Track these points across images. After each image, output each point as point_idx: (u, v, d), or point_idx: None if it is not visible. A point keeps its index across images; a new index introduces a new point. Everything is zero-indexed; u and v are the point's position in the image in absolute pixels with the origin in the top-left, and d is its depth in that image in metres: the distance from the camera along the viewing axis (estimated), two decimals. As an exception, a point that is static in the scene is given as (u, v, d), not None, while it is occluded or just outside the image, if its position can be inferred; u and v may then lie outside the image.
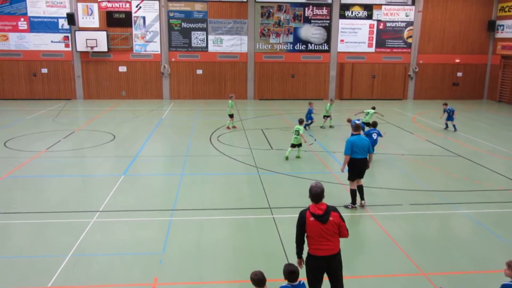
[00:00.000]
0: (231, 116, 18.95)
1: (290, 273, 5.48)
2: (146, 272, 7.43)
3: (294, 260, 5.79)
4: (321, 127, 19.62)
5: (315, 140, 17.25)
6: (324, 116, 19.63)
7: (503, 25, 28.45)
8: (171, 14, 27.40)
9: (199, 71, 28.24)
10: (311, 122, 19.16)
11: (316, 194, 5.79)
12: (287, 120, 21.17)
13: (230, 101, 18.81)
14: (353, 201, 10.29)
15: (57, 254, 7.96)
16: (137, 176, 12.77)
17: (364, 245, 8.58)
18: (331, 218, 5.72)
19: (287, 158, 14.28)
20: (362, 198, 10.34)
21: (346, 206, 10.28)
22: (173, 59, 27.92)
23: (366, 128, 15.13)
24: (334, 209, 5.85)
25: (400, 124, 20.72)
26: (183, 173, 12.91)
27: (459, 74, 29.78)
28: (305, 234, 5.86)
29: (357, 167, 9.99)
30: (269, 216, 9.81)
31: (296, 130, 14.06)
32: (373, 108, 18.29)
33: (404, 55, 29.22)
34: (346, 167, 10.11)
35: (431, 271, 7.54)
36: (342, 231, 5.84)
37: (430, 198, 11.07)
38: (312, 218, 5.73)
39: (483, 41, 29.51)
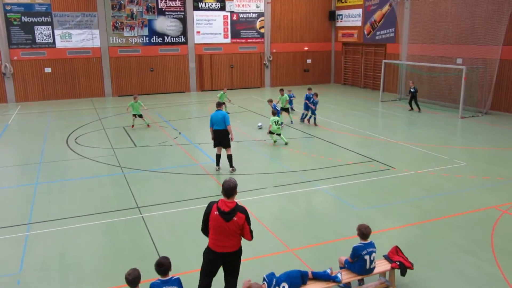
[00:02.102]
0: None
1: (158, 265, 5.39)
2: (1, 297, 6.67)
3: (172, 260, 5.66)
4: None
5: (179, 133, 17.15)
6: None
7: (341, 15, 31.40)
8: (8, 7, 24.57)
9: (48, 70, 25.91)
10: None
11: (227, 188, 5.59)
12: (149, 116, 20.65)
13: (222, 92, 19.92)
14: (217, 163, 12.48)
15: None
16: (-18, 191, 11.31)
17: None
18: (235, 218, 5.56)
19: (286, 143, 15.29)
20: (230, 165, 12.43)
21: (216, 168, 12.42)
22: (15, 58, 25.15)
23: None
24: (242, 210, 5.65)
25: (260, 111, 21.66)
26: (37, 182, 11.80)
27: (309, 61, 32.17)
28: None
29: (217, 136, 12.10)
30: (137, 216, 9.52)
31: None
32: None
33: (258, 45, 30.51)
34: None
35: (297, 246, 8.09)
36: (245, 234, 5.69)
37: (292, 179, 11.83)
38: (216, 213, 5.58)
39: (326, 30, 32.25)
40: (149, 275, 6.15)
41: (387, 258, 6.72)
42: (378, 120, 20.39)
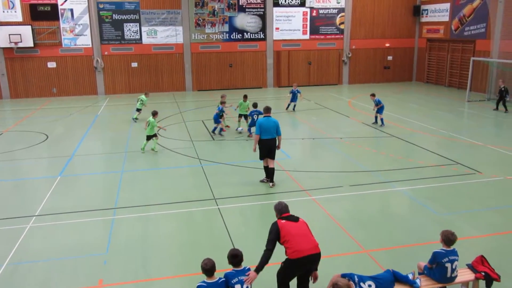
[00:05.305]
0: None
1: (233, 256, 5.51)
2: (90, 274, 7.19)
3: (245, 252, 5.77)
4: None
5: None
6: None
7: (427, 10, 29.93)
8: (101, 6, 26.31)
9: (134, 64, 27.43)
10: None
11: (281, 208, 6.06)
12: (227, 110, 21.08)
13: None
14: (268, 176, 11.00)
15: (-9, 265, 7.50)
16: (75, 176, 12.26)
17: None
18: (301, 219, 5.98)
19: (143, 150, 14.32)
20: (271, 180, 10.92)
21: (261, 180, 11.19)
22: (106, 53, 26.90)
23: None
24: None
25: (337, 108, 21.33)
26: (123, 170, 12.55)
27: (390, 57, 31.05)
28: (280, 242, 5.80)
29: (265, 146, 10.56)
30: (214, 207, 9.80)
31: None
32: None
33: (337, 41, 29.98)
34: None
35: (372, 247, 7.88)
36: None
37: (368, 178, 11.53)
38: (283, 221, 5.88)
39: (410, 26, 30.90)
40: (222, 265, 6.30)
41: (471, 267, 6.34)
42: (463, 120, 19.23)
